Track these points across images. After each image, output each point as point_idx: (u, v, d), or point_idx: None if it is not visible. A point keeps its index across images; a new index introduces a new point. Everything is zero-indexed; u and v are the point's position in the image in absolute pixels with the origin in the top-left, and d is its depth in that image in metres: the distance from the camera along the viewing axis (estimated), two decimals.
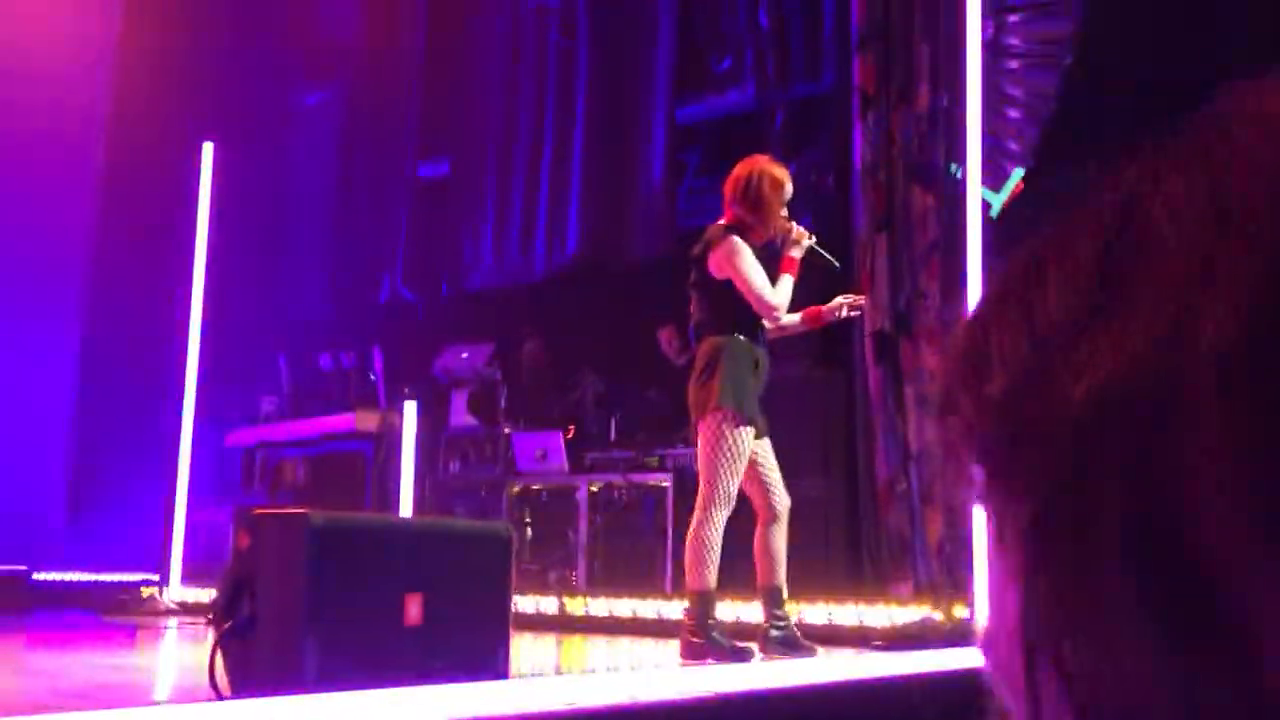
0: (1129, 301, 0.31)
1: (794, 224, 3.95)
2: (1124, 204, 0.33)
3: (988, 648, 0.35)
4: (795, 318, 4.00)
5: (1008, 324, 0.34)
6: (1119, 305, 0.31)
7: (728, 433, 3.72)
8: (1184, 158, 0.33)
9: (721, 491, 3.72)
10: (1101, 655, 0.31)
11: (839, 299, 4.04)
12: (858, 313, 4.20)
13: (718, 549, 3.75)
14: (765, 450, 3.89)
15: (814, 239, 3.96)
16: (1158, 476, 0.29)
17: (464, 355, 7.10)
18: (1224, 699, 0.29)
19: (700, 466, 3.81)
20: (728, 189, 3.94)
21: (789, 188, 3.94)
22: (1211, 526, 0.28)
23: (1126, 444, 0.30)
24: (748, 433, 3.76)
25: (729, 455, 3.72)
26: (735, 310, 3.85)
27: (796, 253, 3.91)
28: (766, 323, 3.89)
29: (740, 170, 3.93)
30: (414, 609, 2.68)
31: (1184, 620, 0.29)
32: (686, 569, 3.79)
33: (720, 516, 3.73)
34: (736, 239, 3.82)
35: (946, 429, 0.36)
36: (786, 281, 3.86)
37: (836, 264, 4.12)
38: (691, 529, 3.76)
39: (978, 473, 0.35)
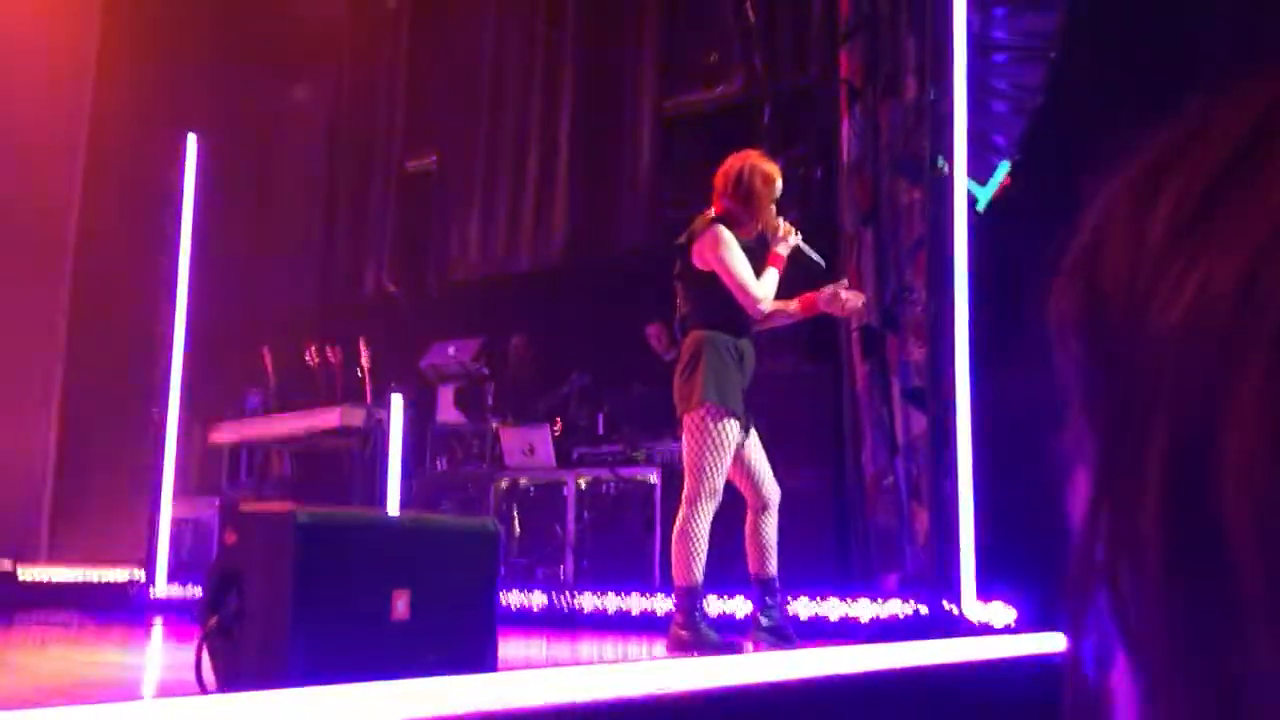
0: (1226, 232, 0.31)
1: (781, 220, 3.95)
2: (1251, 128, 0.33)
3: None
4: (791, 304, 3.97)
5: (1118, 229, 0.34)
6: (1216, 234, 0.31)
7: (712, 426, 3.72)
8: None
9: (707, 486, 3.72)
10: (1143, 589, 0.31)
11: (833, 286, 3.97)
12: (860, 302, 4.13)
13: (704, 543, 3.76)
14: (753, 443, 3.90)
15: (800, 236, 3.96)
16: (1198, 424, 0.30)
17: (451, 350, 7.09)
18: (1223, 661, 0.29)
19: (685, 461, 3.81)
20: (718, 181, 3.93)
21: (779, 183, 3.94)
22: (1232, 484, 0.29)
23: (1180, 384, 0.30)
24: (732, 425, 3.76)
25: (714, 449, 3.72)
26: (719, 303, 3.84)
27: (783, 249, 3.90)
28: (751, 314, 3.88)
29: (732, 163, 3.92)
30: (401, 605, 2.67)
31: (1195, 571, 0.30)
32: (673, 563, 3.79)
33: (706, 510, 3.73)
34: (722, 229, 3.82)
35: (1051, 301, 0.37)
36: (771, 274, 3.85)
37: (821, 261, 4.11)
38: (678, 523, 3.77)
39: (1067, 363, 0.36)
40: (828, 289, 3.95)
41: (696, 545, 3.74)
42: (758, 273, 3.84)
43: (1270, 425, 0.28)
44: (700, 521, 3.72)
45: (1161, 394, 0.31)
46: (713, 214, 3.89)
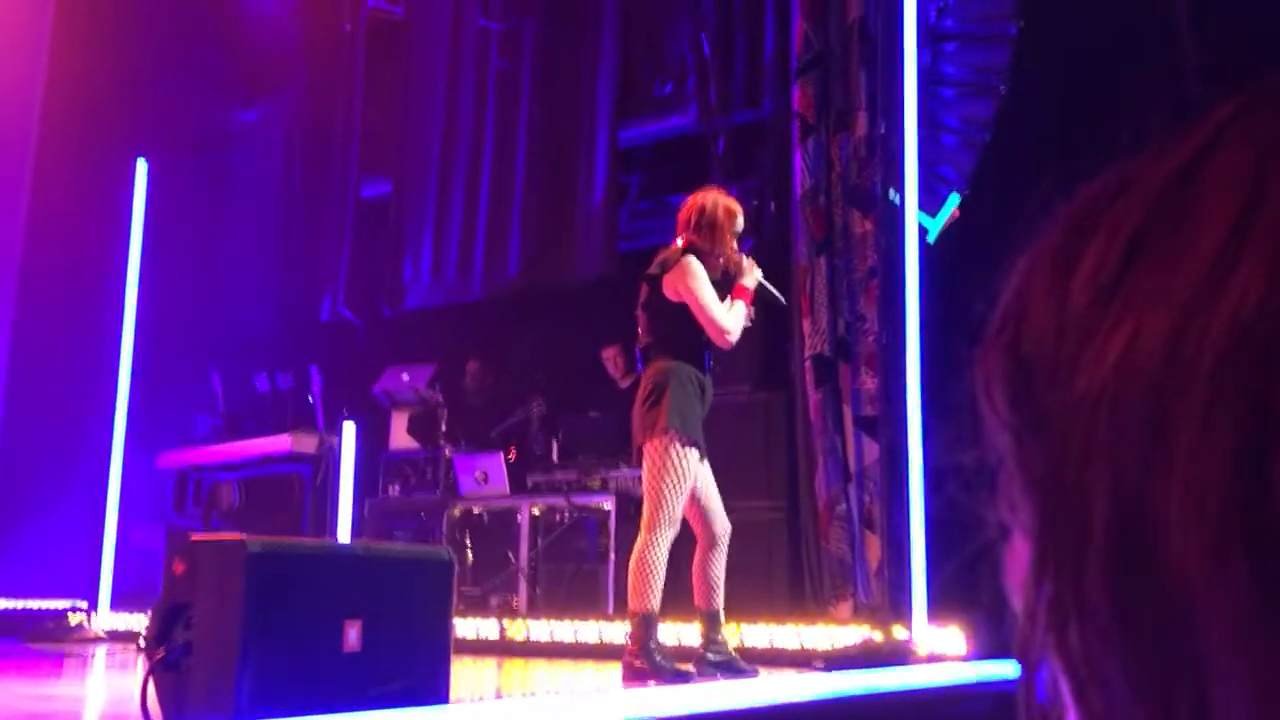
0: (1150, 287, 0.31)
1: (743, 256, 4.02)
2: (1169, 181, 0.33)
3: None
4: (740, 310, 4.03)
5: (1040, 295, 0.34)
6: (1139, 290, 0.31)
7: (674, 454, 3.75)
8: (1234, 133, 0.33)
9: (666, 513, 3.73)
10: (1093, 648, 0.31)
11: (749, 269, 4.01)
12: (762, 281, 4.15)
13: (662, 571, 3.76)
14: (706, 475, 3.92)
15: (760, 273, 4.03)
16: (1136, 478, 0.30)
17: (405, 377, 7.04)
18: (1178, 712, 0.29)
19: (645, 489, 3.82)
20: (682, 215, 4.02)
21: (740, 219, 4.02)
22: (1180, 537, 0.29)
23: (1117, 442, 0.30)
24: (693, 455, 3.79)
25: (674, 477, 3.74)
26: (685, 334, 3.89)
27: (749, 282, 3.97)
28: (719, 346, 3.93)
29: (696, 198, 4.03)
30: (353, 635, 2.64)
31: (1151, 637, 0.30)
32: (630, 591, 3.79)
33: (665, 538, 3.74)
34: (694, 260, 3.88)
35: (977, 370, 0.37)
36: (739, 307, 3.92)
37: (782, 300, 4.20)
38: (636, 551, 3.77)
39: (997, 430, 0.36)
40: (746, 277, 3.99)
41: (653, 573, 3.74)
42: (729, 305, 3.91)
43: (1210, 471, 0.28)
44: (658, 550, 3.73)
45: (1096, 452, 0.31)
46: (681, 246, 3.94)
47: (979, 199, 5.28)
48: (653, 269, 3.95)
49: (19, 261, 8.02)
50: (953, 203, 5.28)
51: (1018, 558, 0.35)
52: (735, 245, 4.01)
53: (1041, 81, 5.36)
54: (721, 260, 3.98)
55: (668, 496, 3.74)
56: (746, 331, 4.07)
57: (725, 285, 3.98)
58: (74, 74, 7.98)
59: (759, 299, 4.07)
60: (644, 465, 3.82)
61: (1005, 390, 0.35)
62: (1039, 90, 5.36)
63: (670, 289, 3.88)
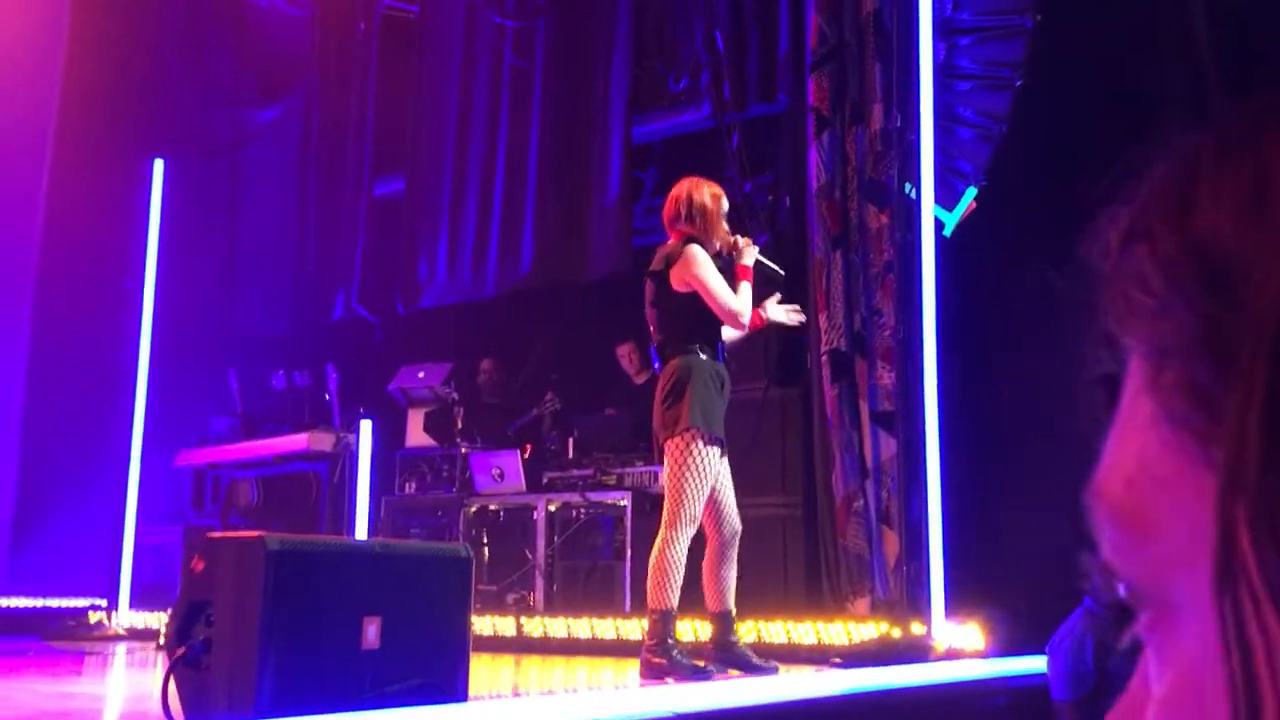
0: None
1: (736, 236, 4.03)
2: None
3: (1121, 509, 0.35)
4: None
5: (1228, 175, 0.34)
6: None
7: (697, 452, 3.75)
8: None
9: (687, 511, 3.74)
10: None
11: (774, 304, 4.10)
12: (799, 320, 4.23)
13: (681, 568, 3.76)
14: (724, 474, 3.92)
15: (756, 249, 4.04)
16: None
17: (420, 374, 7.06)
18: None
19: (667, 486, 3.83)
20: (668, 210, 4.03)
21: (725, 201, 4.03)
22: None
23: None
24: (714, 452, 3.79)
25: (696, 474, 3.75)
26: (697, 326, 3.89)
27: (749, 260, 3.97)
28: (732, 330, 3.93)
29: (677, 190, 4.05)
30: (372, 632, 2.64)
31: None
32: (649, 587, 3.79)
33: (685, 535, 3.75)
34: (697, 248, 3.89)
35: (1128, 255, 0.36)
36: (745, 288, 3.92)
37: (780, 271, 4.22)
38: (656, 547, 3.77)
39: (1153, 307, 0.35)
40: (770, 307, 4.09)
41: (673, 570, 3.74)
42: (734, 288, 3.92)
43: None
44: (678, 546, 3.73)
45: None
46: (680, 238, 3.95)
47: (996, 192, 5.26)
48: (656, 265, 3.96)
49: (37, 262, 8.06)
50: (969, 196, 5.25)
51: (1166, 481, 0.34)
52: (727, 227, 4.02)
53: (1057, 75, 5.33)
54: (718, 245, 3.99)
55: (689, 494, 3.73)
56: (763, 327, 4.08)
57: (726, 270, 3.99)
58: (91, 75, 8.01)
59: (759, 274, 4.11)
60: (665, 462, 3.82)
61: (1173, 274, 0.34)
62: (1055, 84, 5.32)
63: (678, 281, 3.89)
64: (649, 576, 3.78)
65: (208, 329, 8.04)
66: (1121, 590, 0.37)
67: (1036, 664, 4.51)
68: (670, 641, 3.78)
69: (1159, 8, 5.61)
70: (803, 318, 4.30)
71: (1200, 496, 0.33)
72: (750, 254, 4.01)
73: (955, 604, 4.65)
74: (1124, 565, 0.36)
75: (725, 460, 3.93)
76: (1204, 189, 0.35)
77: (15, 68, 7.78)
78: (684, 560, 3.77)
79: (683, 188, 4.03)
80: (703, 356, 3.86)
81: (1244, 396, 0.32)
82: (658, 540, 3.77)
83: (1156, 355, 0.36)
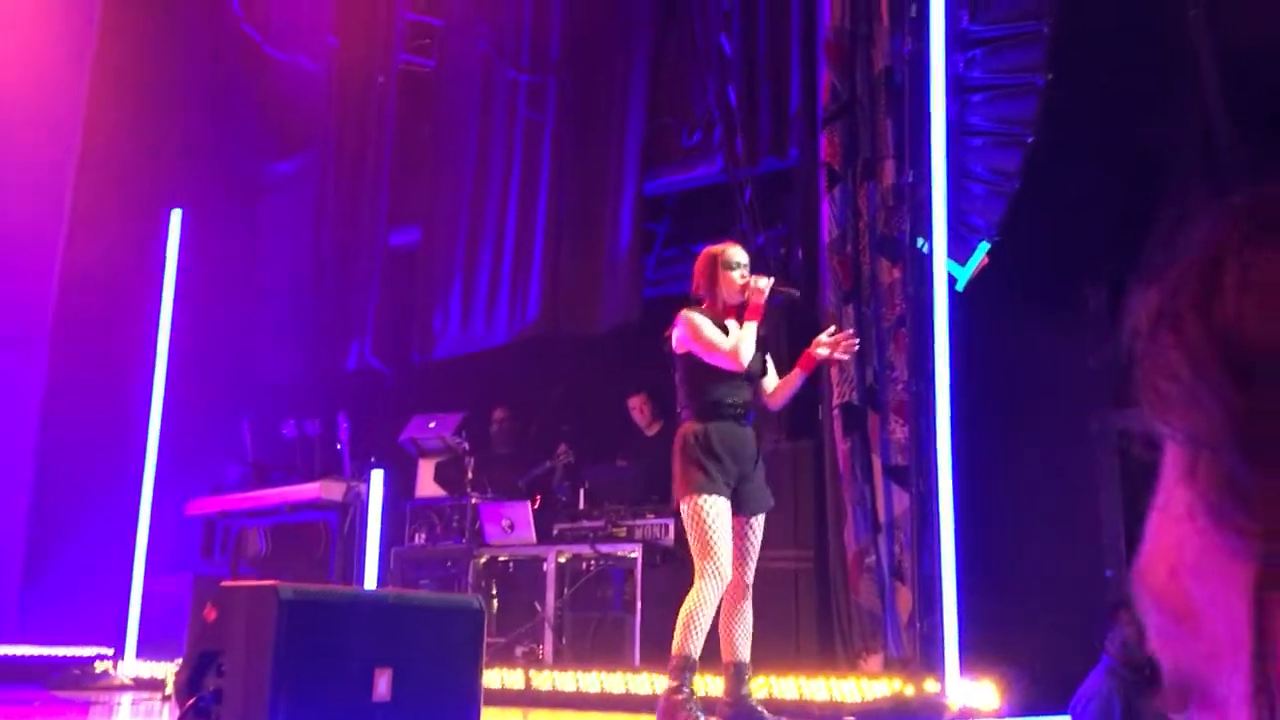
0: None
1: (753, 279, 4.06)
2: None
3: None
4: (793, 373, 4.08)
5: (1255, 260, 0.35)
6: None
7: (701, 512, 3.84)
8: None
9: (711, 564, 3.80)
10: None
11: (820, 338, 4.11)
12: (854, 345, 4.20)
13: (708, 620, 3.83)
14: (754, 529, 3.97)
15: (771, 281, 4.06)
16: None
17: (431, 425, 7.05)
18: None
19: (691, 546, 3.88)
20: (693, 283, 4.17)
21: (729, 253, 4.10)
22: None
23: None
24: (716, 502, 3.82)
25: (707, 531, 3.81)
26: (700, 388, 3.97)
27: (757, 299, 4.00)
28: (735, 369, 3.94)
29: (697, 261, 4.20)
30: (383, 684, 2.62)
31: None
32: (676, 634, 3.83)
33: (712, 588, 3.80)
34: (689, 311, 4.03)
35: (1157, 341, 0.36)
36: (748, 328, 3.96)
37: (796, 291, 4.26)
38: (687, 598, 3.83)
39: (1182, 393, 0.35)
40: (816, 340, 4.09)
41: (698, 621, 3.80)
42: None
43: None
44: (708, 599, 3.81)
45: None
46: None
47: (1008, 247, 5.28)
48: (668, 331, 4.07)
49: (53, 309, 8.13)
50: (982, 251, 5.27)
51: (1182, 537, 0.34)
52: (741, 278, 4.06)
53: (1069, 132, 5.37)
54: (732, 292, 4.04)
55: (709, 549, 3.81)
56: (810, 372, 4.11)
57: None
58: (111, 124, 8.13)
59: (785, 310, 4.15)
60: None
61: (1196, 353, 0.35)
62: (1066, 141, 5.37)
63: (678, 344, 4.02)
64: (677, 623, 3.82)
65: (222, 377, 8.07)
66: (1169, 677, 0.37)
67: None
68: (686, 691, 3.78)
69: (1170, 67, 5.67)
70: (855, 344, 4.21)
71: (1239, 591, 0.33)
72: (759, 292, 4.03)
73: (969, 661, 4.60)
74: (1170, 653, 0.36)
75: (760, 519, 3.99)
76: (1230, 275, 0.35)
77: (37, 113, 7.90)
78: (711, 613, 3.83)
79: (698, 260, 4.19)
80: (697, 421, 3.93)
81: (1277, 492, 0.32)
82: (691, 591, 3.85)
83: (1191, 444, 0.35)
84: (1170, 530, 0.35)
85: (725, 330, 3.99)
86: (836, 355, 4.12)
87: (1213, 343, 0.34)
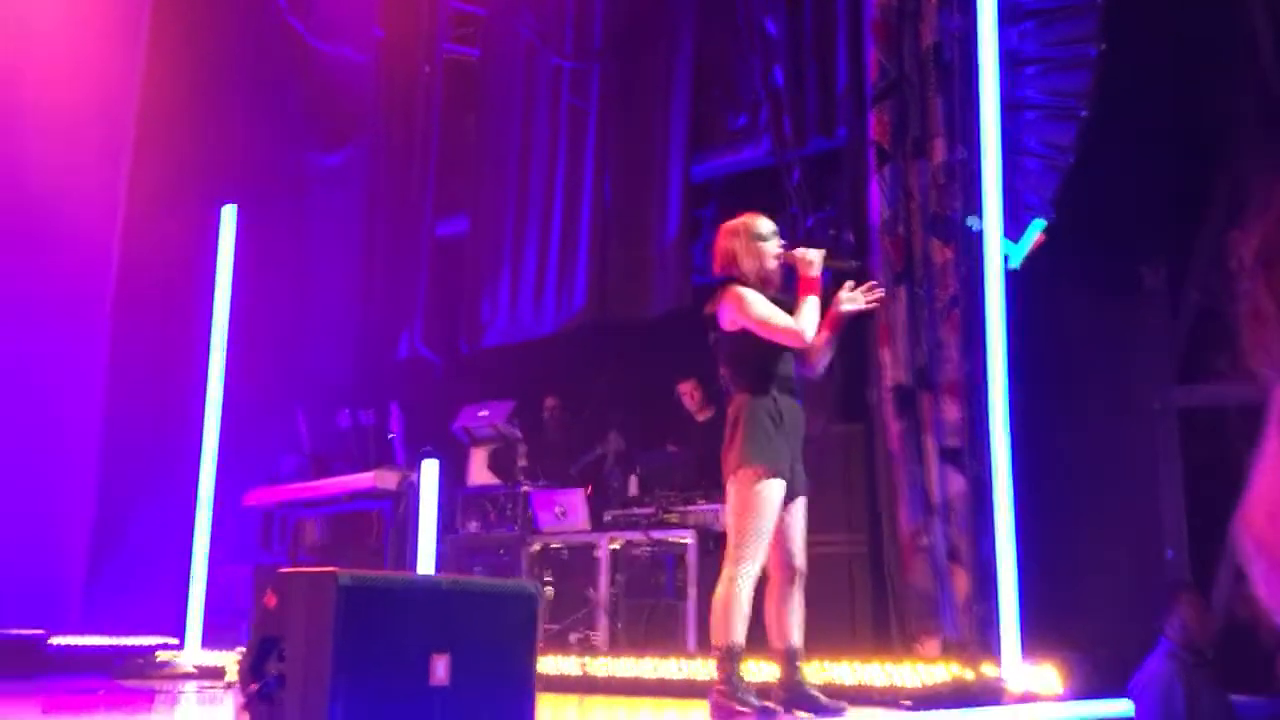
0: None
1: (798, 250, 3.96)
2: None
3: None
4: (821, 339, 3.94)
5: None
6: None
7: (753, 490, 3.72)
8: None
9: (748, 549, 3.69)
10: None
11: (841, 294, 3.98)
12: (879, 293, 4.09)
13: (746, 606, 3.71)
14: (797, 510, 3.87)
15: (822, 253, 3.96)
16: None
17: (483, 413, 7.09)
18: None
19: (729, 524, 3.79)
20: (716, 259, 4.04)
21: (761, 222, 3.99)
22: None
23: None
24: (776, 485, 3.74)
25: (756, 512, 3.70)
26: (753, 363, 3.86)
27: (812, 271, 3.90)
28: (799, 347, 3.86)
29: (717, 237, 4.06)
30: (440, 669, 2.64)
31: None
32: (713, 626, 3.74)
33: (747, 573, 3.70)
34: (738, 287, 3.89)
35: (1251, 284, 0.36)
36: (810, 303, 3.85)
37: (854, 263, 4.14)
38: (720, 586, 3.73)
39: None
40: (838, 296, 3.97)
41: (735, 608, 3.69)
42: (794, 311, 3.85)
43: None
44: (740, 584, 3.69)
45: None
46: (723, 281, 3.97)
47: (1063, 224, 5.19)
48: (708, 309, 3.97)
49: (111, 307, 8.28)
50: (1036, 228, 5.18)
51: None
52: (776, 247, 3.96)
53: (1123, 104, 5.26)
54: (773, 267, 3.95)
55: (749, 531, 3.70)
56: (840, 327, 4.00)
57: (795, 287, 3.95)
58: (165, 123, 8.25)
59: (834, 276, 4.04)
60: (728, 502, 3.80)
61: None
62: (1121, 113, 5.26)
63: (726, 322, 3.89)
64: (713, 615, 3.74)
65: (277, 370, 8.17)
66: (1274, 621, 0.35)
67: (1115, 707, 4.38)
68: (737, 679, 3.73)
69: (1225, 34, 5.53)
70: (880, 292, 4.09)
71: None
72: (812, 264, 3.91)
73: (1028, 645, 4.54)
74: (1274, 599, 0.34)
75: (802, 500, 3.89)
76: None
77: (91, 112, 8.03)
78: (748, 598, 3.72)
79: (719, 234, 4.05)
80: (760, 394, 3.83)
81: None
82: (722, 578, 3.73)
83: None
84: (1267, 473, 0.34)
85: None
86: (863, 306, 3.99)
87: None
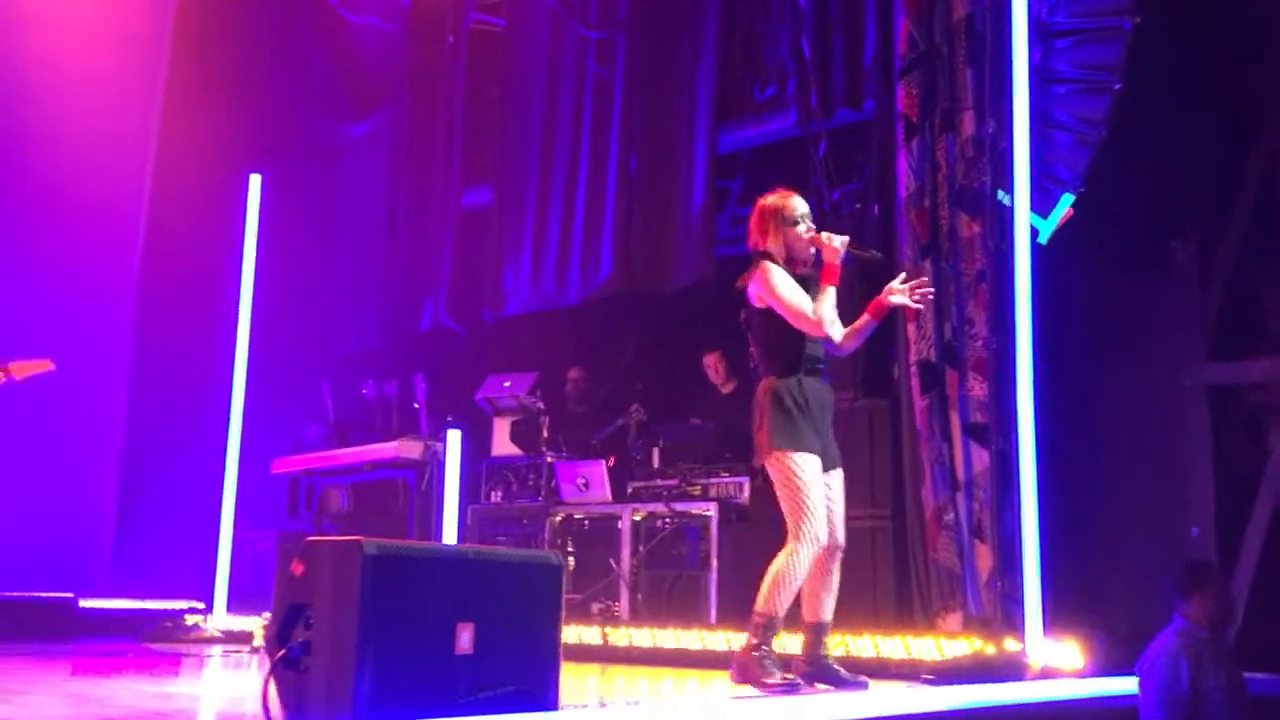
0: None
1: (824, 233, 3.94)
2: None
3: None
4: (861, 319, 3.96)
5: None
6: None
7: (789, 470, 3.75)
8: None
9: (806, 525, 3.73)
10: None
11: (893, 284, 3.96)
12: (929, 293, 4.07)
13: (798, 582, 3.76)
14: (836, 484, 3.90)
15: (845, 240, 3.93)
16: None
17: (506, 384, 7.12)
18: None
19: (782, 507, 3.82)
20: (749, 231, 4.04)
21: (792, 204, 3.97)
22: None
23: None
24: (810, 460, 3.76)
25: (799, 490, 3.74)
26: (779, 342, 3.87)
27: (835, 259, 3.89)
28: (818, 338, 3.86)
29: (753, 210, 4.05)
30: (465, 638, 2.66)
31: None
32: (761, 591, 3.77)
33: (806, 550, 3.73)
34: (769, 263, 3.89)
35: None
36: (828, 293, 3.85)
37: (878, 254, 4.12)
38: (780, 555, 3.76)
39: None
40: (889, 287, 3.95)
41: (788, 582, 3.74)
42: (816, 296, 3.84)
43: None
44: (798, 559, 3.72)
45: None
46: (756, 253, 3.95)
47: (1094, 198, 5.13)
48: (739, 283, 3.97)
49: (138, 276, 8.33)
50: (1066, 203, 5.13)
51: None
52: (806, 228, 3.94)
53: (1157, 78, 5.18)
54: (800, 248, 3.93)
55: (801, 510, 3.73)
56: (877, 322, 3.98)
57: (818, 275, 3.93)
58: (191, 92, 8.27)
59: (858, 266, 4.02)
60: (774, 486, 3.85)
61: None
62: (1154, 87, 5.19)
63: (755, 298, 3.90)
64: (765, 580, 3.77)
65: (302, 339, 8.21)
66: None
67: (1133, 684, 4.37)
68: (765, 649, 3.77)
69: (1259, 7, 5.44)
70: (929, 290, 4.04)
71: None
72: (834, 251, 3.88)
73: (1051, 620, 4.53)
74: None
75: (838, 472, 3.91)
76: None
77: (119, 82, 8.06)
78: (803, 574, 3.75)
79: (755, 207, 4.04)
80: (784, 377, 3.84)
81: None
82: (783, 550, 3.76)
83: None
84: None
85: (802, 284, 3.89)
86: (910, 302, 3.99)
87: None
